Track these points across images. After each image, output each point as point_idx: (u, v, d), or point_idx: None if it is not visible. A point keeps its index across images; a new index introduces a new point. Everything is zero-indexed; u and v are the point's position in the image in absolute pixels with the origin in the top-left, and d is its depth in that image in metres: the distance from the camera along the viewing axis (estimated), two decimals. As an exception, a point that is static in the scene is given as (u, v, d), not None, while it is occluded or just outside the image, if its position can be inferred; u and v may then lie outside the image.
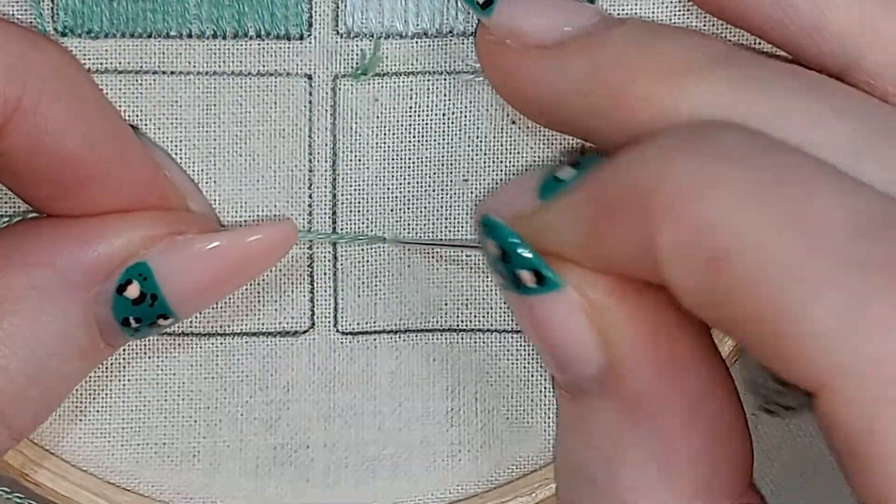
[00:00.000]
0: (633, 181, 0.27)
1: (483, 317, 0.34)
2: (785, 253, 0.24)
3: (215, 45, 0.33)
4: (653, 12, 0.33)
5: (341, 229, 0.34)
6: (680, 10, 0.33)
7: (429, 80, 0.33)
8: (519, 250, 0.29)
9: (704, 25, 0.33)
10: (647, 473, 0.28)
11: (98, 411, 0.34)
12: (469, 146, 0.34)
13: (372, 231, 0.34)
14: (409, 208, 0.34)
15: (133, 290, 0.30)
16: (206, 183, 0.33)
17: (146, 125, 0.33)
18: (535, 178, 0.31)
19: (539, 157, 0.33)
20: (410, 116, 0.33)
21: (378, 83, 0.33)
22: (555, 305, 0.29)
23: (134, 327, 0.30)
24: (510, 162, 0.34)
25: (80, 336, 0.30)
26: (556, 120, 0.31)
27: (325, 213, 0.34)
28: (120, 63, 0.33)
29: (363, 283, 0.34)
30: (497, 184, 0.34)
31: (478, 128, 0.33)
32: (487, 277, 0.34)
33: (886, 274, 0.24)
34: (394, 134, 0.33)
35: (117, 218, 0.30)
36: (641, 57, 0.29)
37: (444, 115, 0.33)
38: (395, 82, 0.33)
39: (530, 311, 0.29)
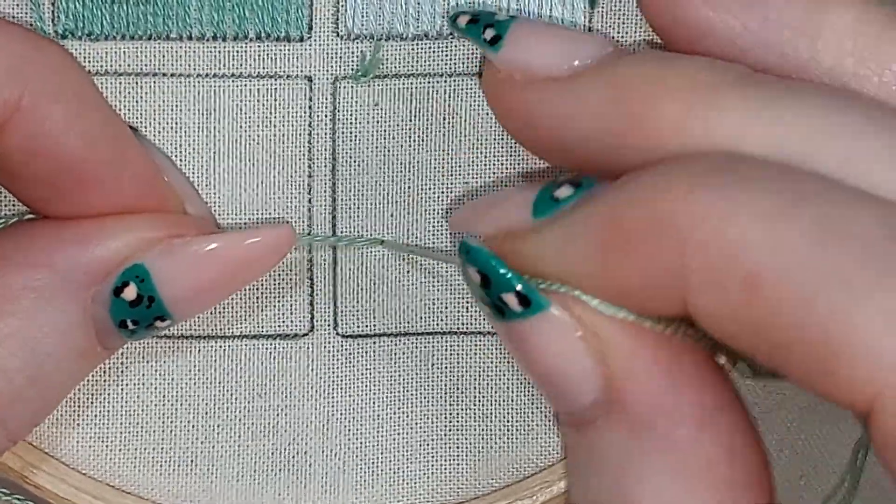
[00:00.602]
0: (655, 209, 0.26)
1: (483, 320, 0.34)
2: (822, 264, 0.24)
3: (215, 48, 0.33)
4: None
5: (341, 232, 0.34)
6: None
7: (429, 83, 0.33)
8: (501, 271, 0.28)
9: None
10: (666, 491, 0.27)
11: (97, 415, 0.34)
12: (469, 149, 0.33)
13: (371, 234, 0.34)
14: (408, 211, 0.34)
15: (130, 292, 0.30)
16: (206, 185, 0.33)
17: (146, 127, 0.33)
18: (527, 194, 0.30)
19: (538, 159, 0.33)
20: (410, 118, 0.33)
21: (378, 85, 0.33)
22: (545, 328, 0.28)
23: (131, 329, 0.30)
24: (510, 165, 0.34)
25: (78, 337, 0.30)
26: (575, 157, 0.30)
27: (325, 216, 0.34)
28: (120, 65, 0.33)
29: (363, 286, 0.34)
30: (496, 187, 0.34)
31: (478, 130, 0.33)
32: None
33: None
34: (394, 136, 0.33)
35: (115, 219, 0.30)
36: (665, 79, 0.27)
37: (444, 117, 0.33)
38: (395, 84, 0.33)
39: (521, 340, 0.28)
